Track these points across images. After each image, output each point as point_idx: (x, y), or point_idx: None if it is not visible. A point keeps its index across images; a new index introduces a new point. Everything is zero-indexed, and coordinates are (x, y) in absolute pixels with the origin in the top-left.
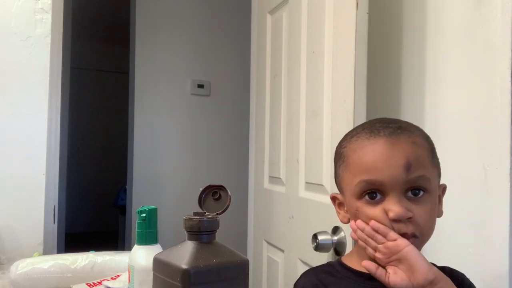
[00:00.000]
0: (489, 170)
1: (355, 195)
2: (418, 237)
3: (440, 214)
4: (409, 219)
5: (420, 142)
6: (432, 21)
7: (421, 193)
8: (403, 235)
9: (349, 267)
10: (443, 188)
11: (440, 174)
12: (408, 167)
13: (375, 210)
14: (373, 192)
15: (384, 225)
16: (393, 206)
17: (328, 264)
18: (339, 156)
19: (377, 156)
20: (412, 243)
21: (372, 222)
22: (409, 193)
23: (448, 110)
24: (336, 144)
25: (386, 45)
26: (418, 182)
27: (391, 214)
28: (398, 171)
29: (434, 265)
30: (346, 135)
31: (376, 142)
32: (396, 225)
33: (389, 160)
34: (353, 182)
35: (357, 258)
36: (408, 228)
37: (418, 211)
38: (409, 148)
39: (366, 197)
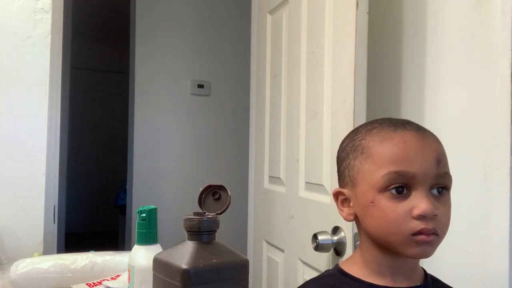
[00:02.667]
0: (489, 170)
1: (378, 187)
2: (439, 235)
3: None
4: (434, 216)
5: (439, 141)
6: (432, 21)
7: (444, 191)
8: (425, 230)
9: (357, 278)
10: None
11: None
12: (438, 162)
13: (398, 206)
14: (400, 186)
15: (401, 222)
16: (420, 202)
17: (329, 275)
18: (355, 148)
19: (409, 148)
20: (432, 240)
21: None
22: (434, 191)
23: (448, 110)
24: (337, 144)
25: (386, 45)
26: (445, 179)
27: (416, 211)
28: (431, 164)
29: (424, 271)
30: (358, 129)
31: (405, 134)
32: (418, 222)
33: (422, 153)
34: (378, 173)
35: (363, 268)
36: (430, 224)
37: (442, 209)
38: (437, 144)
39: (393, 191)
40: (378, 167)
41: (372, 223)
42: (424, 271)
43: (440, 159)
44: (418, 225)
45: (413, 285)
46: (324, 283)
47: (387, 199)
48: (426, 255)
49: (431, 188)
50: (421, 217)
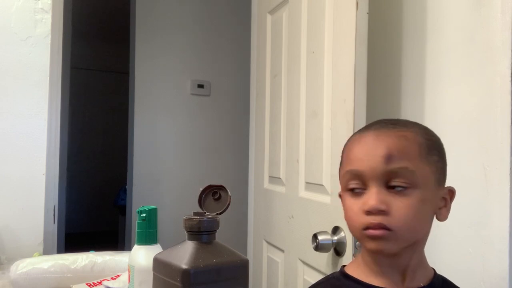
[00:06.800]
0: (489, 170)
1: (342, 186)
2: (391, 230)
3: (442, 217)
4: (382, 212)
5: (412, 136)
6: (432, 21)
7: (403, 185)
8: (371, 225)
9: (360, 280)
10: (449, 191)
11: (441, 174)
12: (388, 158)
13: (354, 203)
14: (356, 184)
15: (355, 218)
16: (369, 198)
17: (332, 277)
18: (341, 154)
19: (361, 148)
20: (382, 234)
21: None
22: (391, 186)
23: (448, 110)
24: (336, 144)
25: (386, 45)
26: (399, 174)
27: (364, 207)
28: (377, 161)
29: (435, 272)
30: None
31: (364, 135)
32: (367, 217)
33: (370, 151)
34: (341, 174)
35: (364, 269)
36: (376, 219)
37: (397, 203)
38: (394, 140)
39: (350, 190)
40: (343, 169)
41: (345, 220)
42: (434, 271)
43: (391, 155)
44: (367, 220)
45: (415, 285)
46: (327, 285)
47: (348, 197)
48: (384, 249)
49: (387, 184)
50: (368, 213)
